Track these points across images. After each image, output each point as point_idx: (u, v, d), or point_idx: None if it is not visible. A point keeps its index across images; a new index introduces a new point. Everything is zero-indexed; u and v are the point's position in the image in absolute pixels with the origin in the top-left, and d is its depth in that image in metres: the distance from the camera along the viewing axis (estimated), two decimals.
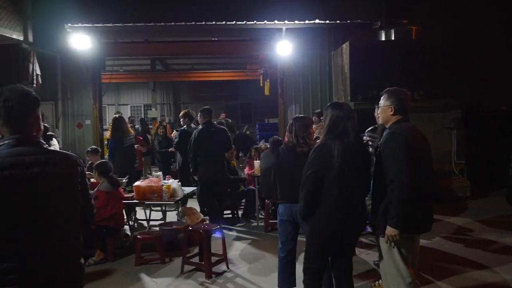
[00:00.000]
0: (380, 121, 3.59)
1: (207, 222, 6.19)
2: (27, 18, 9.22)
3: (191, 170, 6.86)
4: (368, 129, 5.21)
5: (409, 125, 3.22)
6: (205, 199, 6.85)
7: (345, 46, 8.49)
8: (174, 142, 8.40)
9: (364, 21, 9.51)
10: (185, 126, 7.94)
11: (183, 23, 9.28)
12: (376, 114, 4.53)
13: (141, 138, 10.04)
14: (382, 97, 3.31)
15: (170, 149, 9.42)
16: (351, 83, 8.22)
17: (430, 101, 7.98)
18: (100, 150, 7.17)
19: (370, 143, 4.95)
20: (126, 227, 6.48)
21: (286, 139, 4.11)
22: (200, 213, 6.44)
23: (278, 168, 4.06)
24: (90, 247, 5.27)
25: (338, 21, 9.51)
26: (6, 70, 10.00)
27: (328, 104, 3.47)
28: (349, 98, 8.20)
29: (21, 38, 9.15)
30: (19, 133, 1.94)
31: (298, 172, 3.70)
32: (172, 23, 9.28)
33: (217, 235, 5.26)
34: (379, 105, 3.36)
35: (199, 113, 6.94)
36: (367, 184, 3.32)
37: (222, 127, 7.24)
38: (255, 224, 7.13)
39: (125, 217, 6.22)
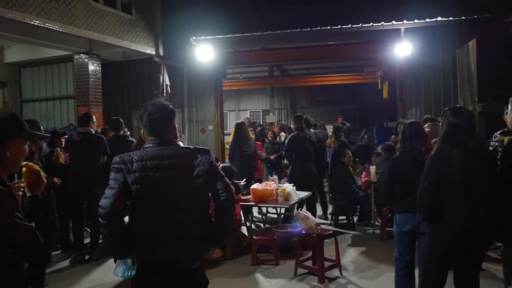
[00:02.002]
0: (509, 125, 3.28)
1: (321, 226, 6.20)
2: (158, 34, 10.22)
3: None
4: (497, 133, 4.75)
5: None
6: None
7: (472, 43, 7.86)
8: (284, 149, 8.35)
9: (494, 14, 8.70)
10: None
11: (298, 29, 9.43)
12: (504, 117, 4.13)
13: (260, 143, 9.64)
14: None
15: (272, 156, 9.03)
16: (479, 83, 7.57)
17: None
18: (214, 157, 7.54)
19: (499, 148, 4.52)
20: (243, 227, 6.78)
21: (398, 146, 3.93)
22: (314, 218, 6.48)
23: (396, 177, 3.86)
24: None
25: (463, 17, 8.85)
26: (141, 81, 11.17)
27: (446, 109, 3.26)
28: (476, 99, 7.58)
29: (153, 52, 10.15)
30: (161, 138, 2.37)
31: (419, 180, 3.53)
32: (288, 30, 9.49)
33: None
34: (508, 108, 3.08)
35: (291, 120, 7.79)
36: (493, 194, 3.06)
37: (312, 133, 7.91)
38: (370, 231, 6.96)
39: (242, 218, 6.52)
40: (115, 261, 2.58)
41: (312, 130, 8.24)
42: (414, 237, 3.78)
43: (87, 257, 5.90)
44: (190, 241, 2.32)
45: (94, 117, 6.29)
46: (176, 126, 2.52)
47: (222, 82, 11.40)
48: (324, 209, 8.00)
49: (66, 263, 5.89)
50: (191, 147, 2.48)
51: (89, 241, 6.09)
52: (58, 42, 8.68)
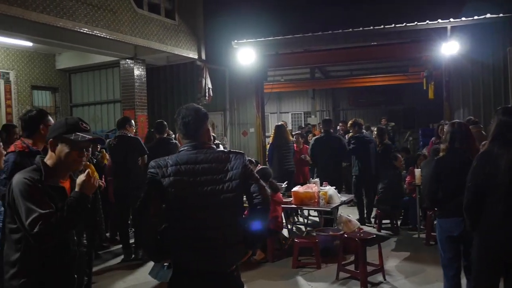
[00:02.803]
0: None
1: (364, 230, 6.09)
2: (200, 38, 10.38)
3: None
4: None
5: None
6: None
7: None
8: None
9: None
10: (358, 134, 7.89)
11: (340, 30, 9.30)
12: None
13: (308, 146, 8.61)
14: None
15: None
16: None
17: None
18: (254, 161, 7.54)
19: None
20: (285, 230, 6.76)
21: (444, 147, 3.80)
22: (357, 221, 6.39)
23: (442, 178, 3.71)
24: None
25: None
26: (184, 85, 11.39)
27: (498, 109, 3.14)
28: None
29: (196, 56, 10.33)
30: (195, 141, 2.39)
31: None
32: (330, 32, 9.38)
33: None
34: None
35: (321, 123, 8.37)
36: None
37: (338, 136, 8.18)
38: (415, 235, 6.77)
39: (284, 221, 6.51)
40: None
41: (364, 131, 8.12)
42: (463, 242, 3.63)
43: (132, 256, 6.08)
44: (224, 245, 2.31)
45: (132, 120, 6.47)
46: (210, 129, 2.54)
47: (263, 85, 11.41)
48: (369, 213, 7.85)
49: (112, 262, 6.09)
50: (225, 150, 2.49)
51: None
52: (105, 48, 9.00)
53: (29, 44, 9.36)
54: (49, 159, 2.24)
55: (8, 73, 10.22)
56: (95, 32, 7.68)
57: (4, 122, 9.70)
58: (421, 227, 6.80)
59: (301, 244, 5.63)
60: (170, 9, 9.68)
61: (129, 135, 6.22)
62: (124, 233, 6.21)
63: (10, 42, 9.37)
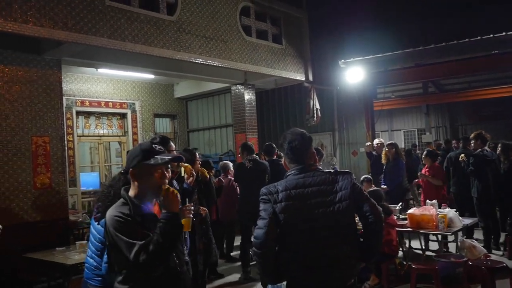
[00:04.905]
0: None
1: (491, 258, 5.55)
2: (307, 60, 10.51)
3: None
4: None
5: None
6: None
7: None
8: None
9: None
10: (479, 150, 7.08)
11: (455, 41, 8.76)
12: None
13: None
14: None
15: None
16: None
17: None
18: (370, 177, 7.34)
19: None
20: (401, 254, 6.42)
21: None
22: (483, 248, 5.84)
23: None
24: (368, 270, 5.45)
25: None
26: (292, 106, 11.56)
27: None
28: None
29: (303, 78, 10.46)
30: (301, 164, 2.46)
31: None
32: (443, 44, 8.88)
33: None
34: None
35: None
36: None
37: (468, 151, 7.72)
38: None
39: (399, 245, 6.19)
40: (262, 284, 2.70)
41: (487, 149, 7.32)
42: None
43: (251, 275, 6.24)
44: (337, 265, 2.34)
45: None
46: (314, 151, 2.61)
47: (373, 103, 11.14)
48: (496, 238, 7.12)
49: (228, 279, 6.29)
50: (332, 171, 2.50)
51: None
52: (217, 76, 9.55)
53: (151, 76, 10.29)
54: (132, 189, 2.26)
55: (134, 104, 11.31)
56: (208, 61, 8.19)
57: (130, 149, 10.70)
58: None
59: (419, 270, 5.28)
60: (277, 34, 9.97)
61: (259, 159, 6.56)
62: (245, 253, 6.38)
63: (135, 76, 10.41)
